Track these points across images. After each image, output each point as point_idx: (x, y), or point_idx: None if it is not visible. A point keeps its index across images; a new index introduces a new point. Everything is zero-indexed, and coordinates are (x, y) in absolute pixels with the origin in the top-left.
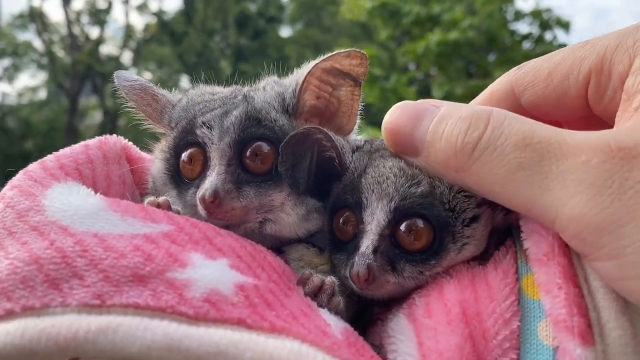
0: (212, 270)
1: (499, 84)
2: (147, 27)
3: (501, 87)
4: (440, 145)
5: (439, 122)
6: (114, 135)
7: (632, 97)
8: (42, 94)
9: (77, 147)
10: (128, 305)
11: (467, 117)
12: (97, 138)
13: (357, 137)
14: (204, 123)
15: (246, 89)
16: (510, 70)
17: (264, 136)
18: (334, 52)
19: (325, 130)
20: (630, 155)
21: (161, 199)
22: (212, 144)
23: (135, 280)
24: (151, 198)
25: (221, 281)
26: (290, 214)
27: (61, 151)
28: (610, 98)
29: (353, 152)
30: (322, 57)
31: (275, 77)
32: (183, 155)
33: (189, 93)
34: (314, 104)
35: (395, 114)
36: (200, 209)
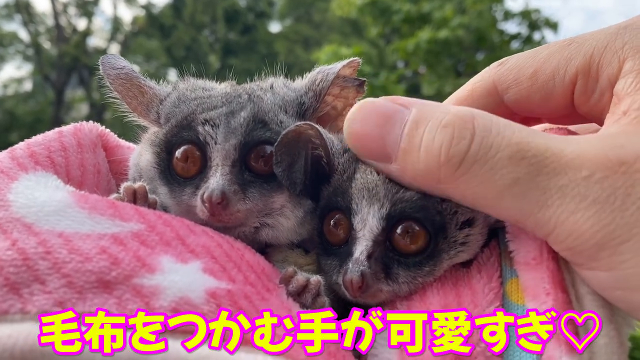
0: (182, 276)
1: (481, 80)
2: (135, 20)
3: (483, 83)
4: (420, 156)
5: (414, 128)
6: (90, 122)
7: (622, 99)
8: (28, 86)
9: (50, 134)
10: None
11: (449, 125)
12: (72, 125)
13: None
14: (206, 120)
15: (248, 87)
16: (492, 65)
17: (270, 140)
18: (350, 59)
19: (317, 127)
20: (632, 170)
21: (137, 184)
22: (216, 143)
23: (100, 287)
24: (127, 183)
25: (191, 288)
26: (289, 218)
27: (33, 138)
28: (596, 100)
29: (344, 152)
30: (342, 62)
31: (283, 79)
32: (177, 152)
33: (178, 87)
34: (329, 107)
35: (359, 118)
36: (201, 210)
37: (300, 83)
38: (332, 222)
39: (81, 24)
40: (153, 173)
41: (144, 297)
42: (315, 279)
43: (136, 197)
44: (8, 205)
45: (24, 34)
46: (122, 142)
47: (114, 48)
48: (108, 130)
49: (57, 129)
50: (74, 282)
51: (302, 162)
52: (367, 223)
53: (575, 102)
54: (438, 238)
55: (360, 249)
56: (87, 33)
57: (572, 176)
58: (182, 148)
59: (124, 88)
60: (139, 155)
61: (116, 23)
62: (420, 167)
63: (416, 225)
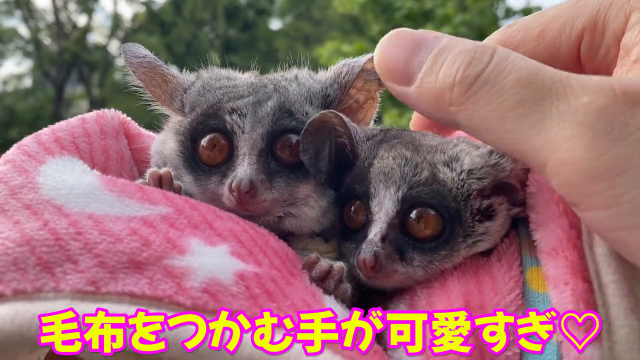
0: (211, 258)
1: (489, 42)
2: (135, 17)
3: (495, 41)
4: (438, 76)
5: (439, 53)
6: (112, 109)
7: (629, 51)
8: (28, 82)
9: (73, 120)
10: (124, 294)
11: (471, 51)
12: (94, 112)
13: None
14: (234, 110)
15: (273, 77)
16: (500, 29)
17: (296, 129)
18: (372, 54)
19: (341, 115)
20: (633, 100)
21: (163, 170)
22: (244, 132)
23: (132, 267)
24: (153, 169)
25: (221, 270)
26: (313, 208)
27: (57, 124)
28: (603, 55)
29: (367, 139)
30: (367, 56)
31: (307, 70)
32: (203, 140)
33: (202, 76)
34: (352, 100)
35: (392, 40)
36: (228, 198)
37: (325, 75)
38: (352, 208)
39: (81, 20)
40: (177, 161)
41: (175, 277)
42: (339, 265)
43: (162, 183)
44: (38, 188)
45: (24, 30)
46: (143, 130)
47: (114, 44)
48: (129, 118)
49: (79, 116)
50: (106, 262)
51: (327, 151)
52: (383, 206)
53: (582, 60)
54: (454, 224)
55: (375, 231)
56: (87, 29)
57: (573, 102)
58: (209, 136)
59: (147, 77)
60: (163, 143)
61: (116, 19)
62: (436, 87)
63: (431, 210)
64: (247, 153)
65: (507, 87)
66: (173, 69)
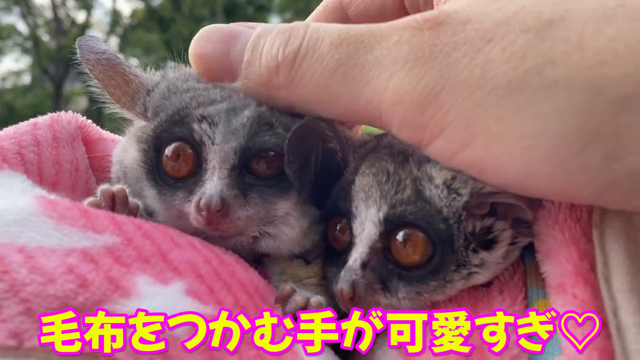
0: (161, 301)
1: (323, 8)
2: (134, 13)
3: (333, 1)
4: (261, 62)
5: (257, 40)
6: (70, 112)
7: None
8: (26, 79)
9: (23, 125)
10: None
11: (286, 31)
12: (49, 115)
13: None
14: (204, 117)
15: None
16: None
17: (275, 146)
18: None
19: (328, 119)
20: (436, 23)
21: (116, 187)
22: (214, 144)
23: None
24: (105, 186)
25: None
26: (293, 228)
27: (4, 130)
28: (423, 3)
29: (360, 146)
30: None
31: None
32: (167, 149)
33: (167, 76)
34: None
35: (204, 38)
36: (196, 218)
37: None
38: (337, 226)
39: (80, 16)
40: (139, 172)
41: (117, 327)
42: (316, 300)
43: (115, 202)
44: None
45: (22, 27)
46: (106, 134)
47: (113, 41)
48: (90, 121)
49: (32, 120)
50: (34, 308)
51: (313, 162)
52: (365, 227)
53: (408, 10)
54: (444, 249)
55: (355, 256)
56: (86, 26)
57: (385, 44)
58: (173, 145)
59: (105, 76)
60: (124, 151)
61: (115, 16)
62: (262, 73)
63: (419, 232)
64: (217, 166)
65: (324, 51)
66: (136, 68)
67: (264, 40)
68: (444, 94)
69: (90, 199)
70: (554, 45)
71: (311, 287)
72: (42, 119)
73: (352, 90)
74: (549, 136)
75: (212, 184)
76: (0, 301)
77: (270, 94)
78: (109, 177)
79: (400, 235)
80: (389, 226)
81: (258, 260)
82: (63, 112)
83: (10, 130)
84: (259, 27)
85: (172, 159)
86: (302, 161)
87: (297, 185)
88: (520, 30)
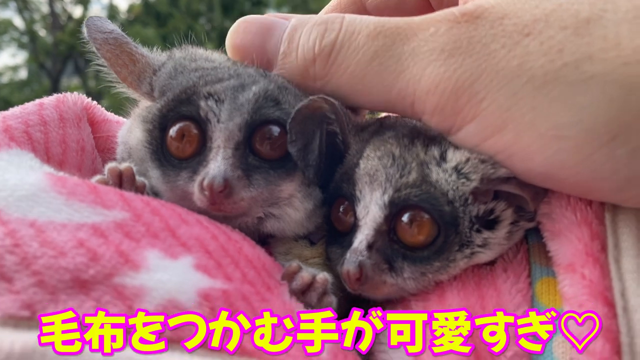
0: (171, 274)
1: None
2: (131, 8)
3: None
4: (298, 54)
5: (293, 32)
6: (75, 92)
7: None
8: (23, 74)
9: (29, 105)
10: None
11: (322, 23)
12: (54, 96)
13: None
14: (210, 94)
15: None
16: None
17: (279, 120)
18: None
19: (332, 100)
20: (473, 17)
21: (123, 165)
22: (219, 121)
23: (76, 287)
24: (112, 164)
25: (182, 289)
26: (298, 209)
27: (10, 110)
28: (447, 1)
29: (361, 131)
30: None
31: None
32: (171, 129)
33: (174, 56)
34: None
35: (241, 30)
36: (199, 198)
37: None
38: (340, 208)
39: (77, 11)
40: (144, 153)
41: (127, 299)
42: (322, 276)
43: (122, 180)
44: None
45: (18, 22)
46: (111, 116)
47: None
48: (95, 102)
49: (38, 101)
50: (46, 281)
51: (317, 143)
52: (369, 211)
53: (432, 3)
54: (448, 231)
55: (360, 238)
56: (82, 21)
57: (422, 36)
58: (178, 125)
59: (112, 55)
60: (129, 132)
61: (112, 11)
62: (298, 64)
63: (424, 214)
64: (221, 145)
65: (361, 43)
66: (143, 48)
67: (300, 32)
68: (480, 82)
69: (98, 176)
70: (592, 42)
71: (316, 267)
72: (48, 100)
73: (386, 81)
74: (580, 127)
75: (216, 164)
76: (12, 274)
77: (306, 84)
78: (114, 158)
79: (405, 217)
80: (394, 209)
81: (263, 241)
82: (68, 93)
83: (17, 110)
84: (294, 18)
85: (176, 139)
86: (305, 141)
87: (300, 164)
88: (558, 27)
